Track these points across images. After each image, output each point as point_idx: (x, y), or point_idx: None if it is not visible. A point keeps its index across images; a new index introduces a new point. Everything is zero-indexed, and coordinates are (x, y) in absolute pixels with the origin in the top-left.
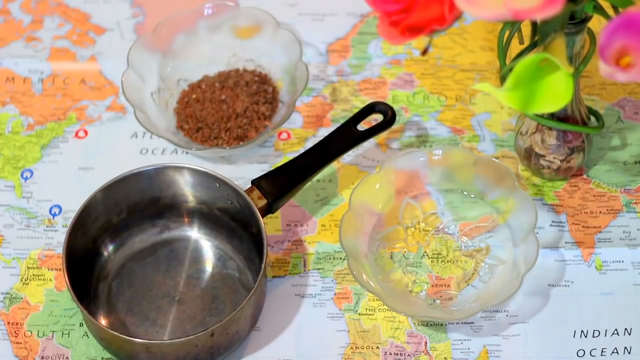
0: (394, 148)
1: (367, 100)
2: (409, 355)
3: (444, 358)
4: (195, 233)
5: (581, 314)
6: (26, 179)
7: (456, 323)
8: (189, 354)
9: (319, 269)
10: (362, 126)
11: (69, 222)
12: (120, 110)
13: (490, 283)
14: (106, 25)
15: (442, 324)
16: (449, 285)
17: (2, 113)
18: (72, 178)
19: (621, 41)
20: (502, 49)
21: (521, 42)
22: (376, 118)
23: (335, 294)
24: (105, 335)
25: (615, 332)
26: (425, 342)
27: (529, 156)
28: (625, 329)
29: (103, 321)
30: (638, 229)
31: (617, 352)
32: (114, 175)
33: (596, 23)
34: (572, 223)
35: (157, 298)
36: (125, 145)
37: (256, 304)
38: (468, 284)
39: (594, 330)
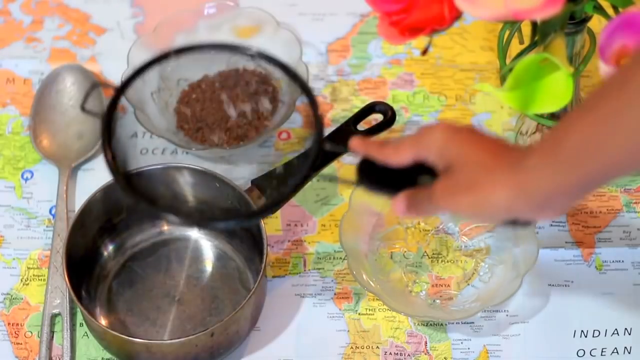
0: None
1: (367, 100)
2: (409, 355)
3: (444, 358)
4: (195, 233)
5: (581, 314)
6: (26, 179)
7: (456, 323)
8: (189, 354)
9: (319, 268)
10: (362, 126)
11: (69, 222)
12: (120, 110)
13: (490, 283)
14: (106, 25)
15: (442, 324)
16: (449, 285)
17: (3, 114)
18: (72, 178)
19: (621, 41)
20: (502, 49)
21: (521, 42)
22: (376, 118)
23: (335, 294)
24: (105, 335)
25: (615, 332)
26: (425, 342)
27: None
28: (625, 329)
29: (103, 321)
30: (638, 229)
31: (617, 352)
32: None
33: (596, 23)
34: (572, 223)
35: (157, 298)
36: (125, 145)
37: (256, 304)
38: (468, 284)
39: (594, 330)
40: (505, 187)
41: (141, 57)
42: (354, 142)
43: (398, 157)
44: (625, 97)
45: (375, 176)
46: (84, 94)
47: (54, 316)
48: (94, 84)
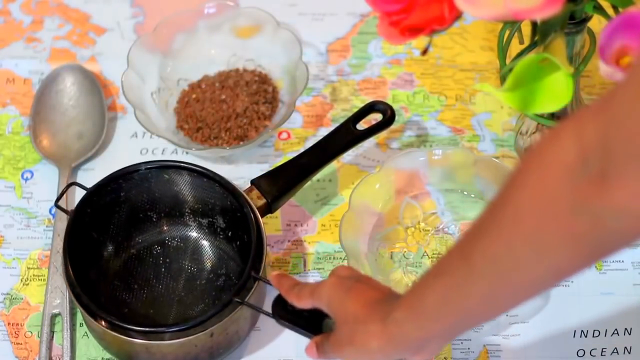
0: (394, 148)
1: (367, 99)
2: None
3: (444, 358)
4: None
5: (581, 314)
6: (26, 179)
7: None
8: (188, 354)
9: (319, 268)
10: (362, 125)
11: (69, 222)
12: (120, 110)
13: None
14: (106, 25)
15: None
16: None
17: (3, 114)
18: (72, 178)
19: (621, 41)
20: (502, 49)
21: (521, 42)
22: (376, 117)
23: None
24: (105, 335)
25: (615, 332)
26: None
27: None
28: (625, 329)
29: (103, 321)
30: None
31: (617, 352)
32: None
33: (596, 23)
34: None
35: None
36: (125, 145)
37: (256, 304)
38: None
39: (594, 330)
40: (378, 338)
41: (141, 57)
42: (272, 275)
43: (300, 302)
44: (470, 269)
45: (287, 311)
46: (60, 192)
47: (54, 316)
48: (70, 183)
